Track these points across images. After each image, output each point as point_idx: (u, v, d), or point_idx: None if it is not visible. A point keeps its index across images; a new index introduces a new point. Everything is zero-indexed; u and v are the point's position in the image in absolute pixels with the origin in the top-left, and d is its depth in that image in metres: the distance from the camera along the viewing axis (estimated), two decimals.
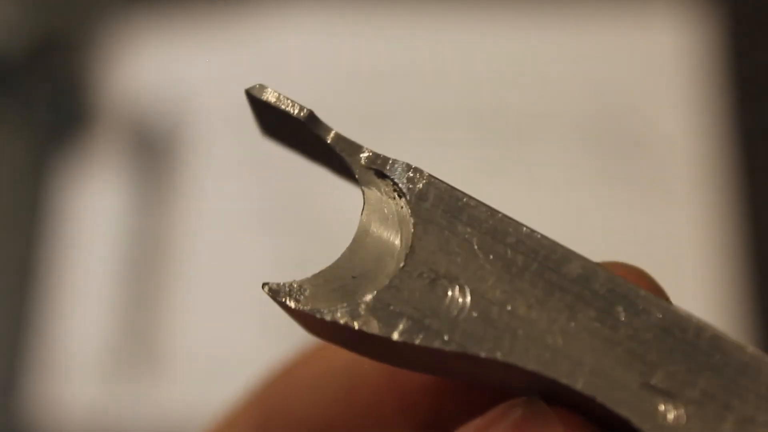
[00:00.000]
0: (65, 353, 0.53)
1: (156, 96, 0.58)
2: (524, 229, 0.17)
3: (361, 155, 0.18)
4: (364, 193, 0.18)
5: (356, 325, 0.16)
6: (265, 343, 0.52)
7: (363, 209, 0.18)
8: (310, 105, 0.65)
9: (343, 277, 0.17)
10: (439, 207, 0.17)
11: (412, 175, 0.17)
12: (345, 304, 0.17)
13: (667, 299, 0.19)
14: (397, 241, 0.17)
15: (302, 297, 0.17)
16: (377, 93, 0.57)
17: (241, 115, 0.58)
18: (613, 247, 0.53)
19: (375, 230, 0.18)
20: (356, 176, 0.18)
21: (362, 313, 0.16)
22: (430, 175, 0.17)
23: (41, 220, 0.56)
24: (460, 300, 0.17)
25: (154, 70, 0.58)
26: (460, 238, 0.17)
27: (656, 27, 0.57)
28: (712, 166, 0.54)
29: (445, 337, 0.16)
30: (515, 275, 0.17)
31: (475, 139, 0.55)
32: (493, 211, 0.17)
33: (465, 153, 0.54)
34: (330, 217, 0.54)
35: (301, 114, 0.18)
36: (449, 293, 0.17)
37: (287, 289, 0.17)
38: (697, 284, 0.51)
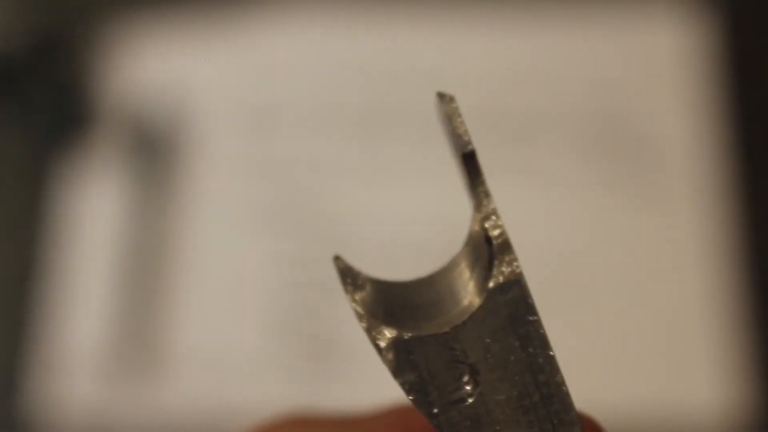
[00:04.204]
0: (65, 353, 0.53)
1: (156, 96, 0.58)
2: (558, 377, 0.17)
3: (490, 221, 0.18)
4: (466, 242, 0.18)
5: (376, 347, 0.17)
6: (266, 344, 0.52)
7: (464, 246, 0.18)
8: (310, 105, 0.65)
9: (402, 298, 0.18)
10: (509, 308, 0.17)
11: (508, 268, 0.18)
12: (378, 327, 0.18)
13: None
14: (465, 302, 0.18)
15: (357, 293, 0.18)
16: (377, 93, 0.57)
17: (242, 115, 0.58)
18: (612, 248, 0.53)
19: (457, 275, 0.18)
20: (471, 224, 0.18)
21: (386, 343, 0.17)
22: (522, 278, 0.18)
23: (41, 220, 0.56)
24: (467, 393, 0.17)
25: (154, 70, 0.58)
26: (505, 346, 0.17)
27: (656, 27, 0.57)
28: (712, 167, 0.54)
29: (434, 410, 0.17)
30: (522, 407, 0.17)
31: (473, 139, 0.55)
32: (546, 346, 0.17)
33: None
34: (332, 218, 0.54)
35: (465, 149, 0.18)
36: (463, 381, 0.17)
37: (351, 276, 0.18)
38: (696, 286, 0.51)
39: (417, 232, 0.53)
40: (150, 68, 0.58)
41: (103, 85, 0.58)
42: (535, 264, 0.52)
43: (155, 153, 0.57)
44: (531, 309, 0.17)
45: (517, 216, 0.51)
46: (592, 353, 0.51)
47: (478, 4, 0.58)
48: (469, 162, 0.18)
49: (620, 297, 0.52)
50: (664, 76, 0.56)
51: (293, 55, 0.58)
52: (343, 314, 0.52)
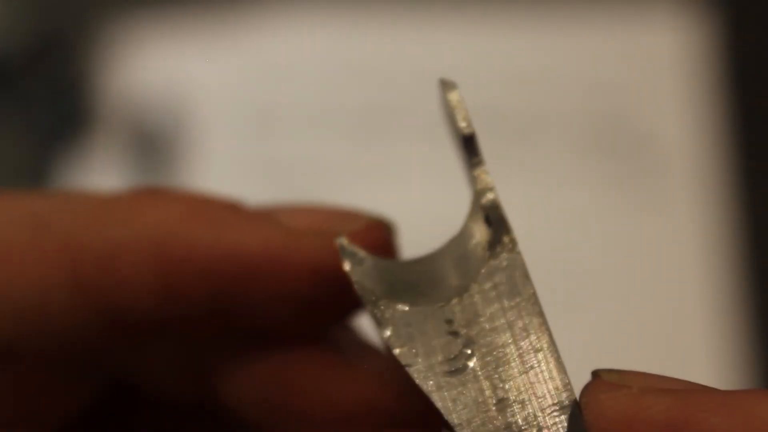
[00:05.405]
0: None
1: (156, 96, 0.58)
2: (550, 348, 0.18)
3: (487, 196, 0.19)
4: (466, 222, 0.19)
5: (374, 318, 0.18)
6: None
7: (463, 223, 0.19)
8: (310, 105, 0.65)
9: (402, 275, 0.19)
10: (506, 281, 0.18)
11: (505, 241, 0.18)
12: (377, 300, 0.18)
13: None
14: (463, 277, 0.18)
15: (356, 268, 0.18)
16: (377, 93, 0.57)
17: (242, 115, 0.58)
18: (612, 248, 0.53)
19: (456, 252, 0.19)
20: (471, 204, 0.19)
21: (386, 317, 0.18)
22: (518, 252, 0.18)
23: None
24: (462, 365, 0.18)
25: (154, 70, 0.58)
26: (500, 319, 0.18)
27: (656, 28, 0.57)
28: (711, 168, 0.54)
29: (430, 382, 0.18)
30: (512, 377, 0.18)
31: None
32: (540, 316, 0.18)
33: None
34: None
35: (465, 131, 0.19)
36: (458, 353, 0.18)
37: (350, 253, 0.19)
38: (696, 285, 0.51)
39: (418, 232, 0.53)
40: (150, 68, 0.58)
41: (103, 85, 0.58)
42: (535, 263, 0.52)
43: (155, 153, 0.57)
44: (527, 283, 0.18)
45: (517, 215, 0.51)
46: (591, 352, 0.51)
47: (479, 5, 0.58)
48: (469, 144, 0.19)
49: (620, 296, 0.52)
50: (664, 77, 0.56)
51: (293, 55, 0.58)
52: None
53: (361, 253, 0.19)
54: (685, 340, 0.51)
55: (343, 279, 0.19)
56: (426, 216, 0.55)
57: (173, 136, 0.57)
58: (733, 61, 0.56)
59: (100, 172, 0.56)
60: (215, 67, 0.58)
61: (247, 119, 0.57)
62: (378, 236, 0.21)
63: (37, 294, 0.19)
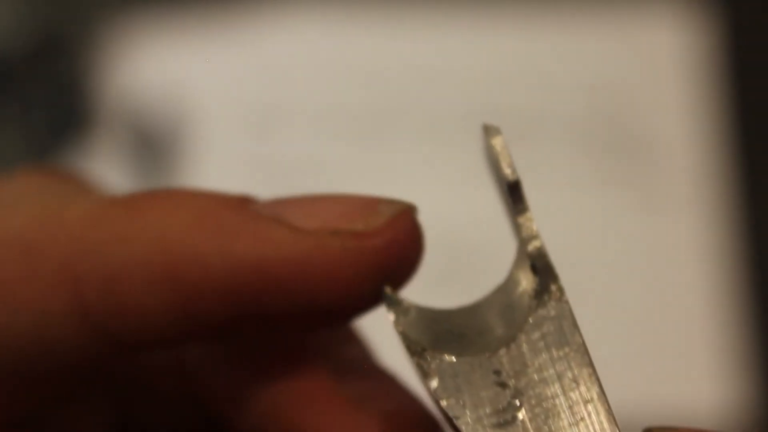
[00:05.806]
0: None
1: (156, 96, 0.58)
2: (600, 398, 0.18)
3: (534, 244, 0.19)
4: (511, 270, 0.19)
5: (420, 369, 0.18)
6: None
7: (509, 273, 0.19)
8: (310, 105, 0.64)
9: (448, 324, 0.19)
10: (553, 332, 0.18)
11: (552, 292, 0.18)
12: (423, 351, 0.18)
13: None
14: (510, 327, 0.18)
15: (402, 318, 0.18)
16: (377, 93, 0.57)
17: (242, 114, 0.58)
18: (611, 248, 0.53)
19: (502, 302, 0.19)
20: (516, 252, 0.19)
21: (432, 368, 0.18)
22: (566, 302, 0.18)
23: None
24: (511, 417, 0.17)
25: (155, 70, 0.58)
26: (548, 369, 0.18)
27: (656, 27, 0.57)
28: (711, 168, 0.54)
29: None
30: (563, 428, 0.17)
31: (473, 139, 0.55)
32: (589, 367, 0.18)
33: (463, 153, 0.54)
34: None
35: (511, 177, 0.19)
36: (507, 404, 0.17)
37: (396, 303, 0.18)
38: (696, 285, 0.51)
39: None
40: (150, 68, 0.58)
41: (103, 85, 0.58)
42: None
43: (155, 153, 0.57)
44: (575, 333, 0.18)
45: None
46: (591, 352, 0.51)
47: (478, 5, 0.58)
48: (514, 191, 0.19)
49: (620, 296, 0.52)
50: (664, 76, 0.56)
51: (293, 55, 0.58)
52: None
53: (406, 302, 0.18)
54: (685, 340, 0.51)
55: (361, 279, 0.18)
56: (425, 216, 0.55)
57: (173, 135, 0.57)
58: (733, 61, 0.56)
59: (100, 172, 0.56)
60: (215, 66, 0.58)
61: (247, 119, 0.57)
62: (405, 226, 0.19)
63: (38, 324, 0.18)
